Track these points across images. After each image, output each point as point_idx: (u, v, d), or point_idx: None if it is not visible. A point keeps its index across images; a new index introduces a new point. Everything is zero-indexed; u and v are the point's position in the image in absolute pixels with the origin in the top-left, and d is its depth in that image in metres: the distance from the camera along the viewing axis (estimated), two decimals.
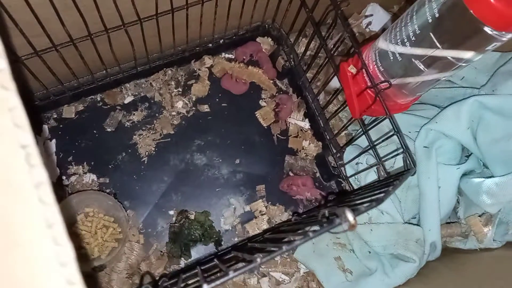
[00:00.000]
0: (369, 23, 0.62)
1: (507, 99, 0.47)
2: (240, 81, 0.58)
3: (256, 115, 0.58)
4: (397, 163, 0.49)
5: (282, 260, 0.53)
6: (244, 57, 0.59)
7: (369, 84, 0.43)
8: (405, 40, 0.39)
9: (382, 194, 0.32)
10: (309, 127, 0.58)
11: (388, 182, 0.39)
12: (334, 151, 0.53)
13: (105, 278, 0.49)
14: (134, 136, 0.55)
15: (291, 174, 0.57)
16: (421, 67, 0.40)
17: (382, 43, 0.43)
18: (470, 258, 0.49)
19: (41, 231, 0.18)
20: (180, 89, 0.57)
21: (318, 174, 0.57)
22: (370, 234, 0.49)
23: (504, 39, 0.34)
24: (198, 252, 0.52)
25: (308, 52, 0.55)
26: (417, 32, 0.38)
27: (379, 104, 0.42)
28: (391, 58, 0.42)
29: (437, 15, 0.35)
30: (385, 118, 0.43)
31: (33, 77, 0.45)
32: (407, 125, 0.52)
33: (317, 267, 0.51)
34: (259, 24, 0.58)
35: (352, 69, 0.45)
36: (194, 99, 0.57)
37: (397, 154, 0.43)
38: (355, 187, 0.52)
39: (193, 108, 0.57)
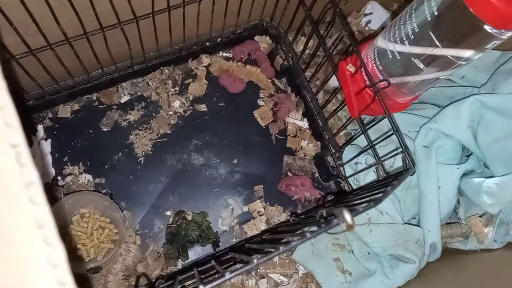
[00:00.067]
0: (369, 22, 0.62)
1: (508, 98, 0.47)
2: (237, 80, 0.58)
3: (254, 115, 0.57)
4: (397, 163, 0.49)
5: (281, 261, 0.52)
6: (242, 56, 0.59)
7: (368, 83, 0.43)
8: (404, 38, 0.39)
9: (380, 194, 0.31)
10: (308, 126, 0.58)
11: (387, 182, 0.39)
12: (333, 150, 0.53)
13: (101, 279, 0.49)
14: (131, 136, 0.54)
15: (289, 174, 0.56)
16: (421, 65, 0.39)
17: (381, 42, 0.43)
18: (471, 259, 0.48)
19: (31, 231, 0.17)
20: (177, 88, 0.57)
21: (317, 174, 0.57)
22: (369, 235, 0.48)
23: (503, 37, 0.33)
24: (195, 253, 0.52)
25: (307, 51, 0.54)
26: (416, 31, 0.38)
27: (378, 103, 0.41)
28: (390, 56, 0.41)
29: (436, 13, 0.35)
30: (384, 117, 0.43)
31: (28, 76, 0.44)
32: (407, 124, 0.52)
33: (316, 268, 0.50)
34: (257, 23, 0.58)
35: (351, 68, 0.44)
36: (191, 98, 0.57)
37: (397, 154, 0.43)
38: (354, 187, 0.51)
39: (190, 107, 0.57)
